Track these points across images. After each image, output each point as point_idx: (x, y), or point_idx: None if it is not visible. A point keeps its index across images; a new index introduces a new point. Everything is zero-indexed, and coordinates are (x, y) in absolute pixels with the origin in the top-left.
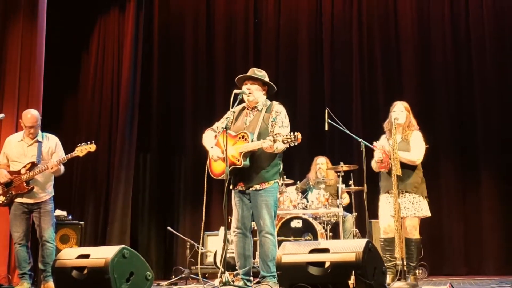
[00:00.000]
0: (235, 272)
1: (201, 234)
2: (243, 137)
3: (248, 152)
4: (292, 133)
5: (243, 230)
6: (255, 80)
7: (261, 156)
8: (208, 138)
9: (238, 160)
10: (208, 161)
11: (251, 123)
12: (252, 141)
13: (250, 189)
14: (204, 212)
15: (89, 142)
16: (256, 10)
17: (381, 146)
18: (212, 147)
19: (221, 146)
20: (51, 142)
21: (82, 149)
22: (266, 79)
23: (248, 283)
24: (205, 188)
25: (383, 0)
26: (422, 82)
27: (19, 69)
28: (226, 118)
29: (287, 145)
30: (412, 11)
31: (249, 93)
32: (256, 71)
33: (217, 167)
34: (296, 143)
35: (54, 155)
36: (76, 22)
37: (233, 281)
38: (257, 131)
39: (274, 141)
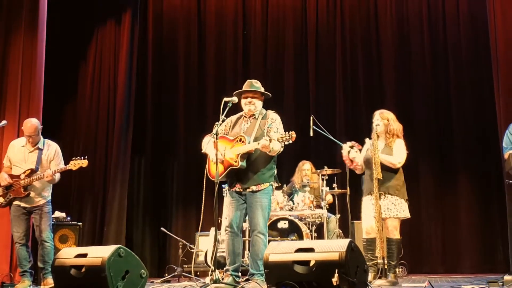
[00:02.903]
0: (224, 269)
1: (197, 234)
2: (240, 139)
3: (245, 154)
4: (286, 132)
5: (234, 229)
6: (255, 92)
7: (257, 159)
8: (206, 144)
9: (236, 161)
10: (207, 164)
11: (248, 129)
12: (249, 143)
13: (247, 190)
14: (202, 213)
15: (82, 158)
16: (244, 22)
17: (346, 152)
18: (208, 143)
19: (210, 153)
20: (51, 150)
21: (76, 164)
22: (262, 89)
23: (237, 279)
24: (203, 191)
25: (365, 13)
26: (402, 89)
27: (20, 77)
28: (217, 124)
29: (282, 145)
30: (392, 22)
31: (251, 103)
32: (254, 83)
33: (215, 170)
34: (290, 141)
35: (52, 162)
36: (74, 34)
37: (222, 279)
38: (253, 135)
39: (270, 141)
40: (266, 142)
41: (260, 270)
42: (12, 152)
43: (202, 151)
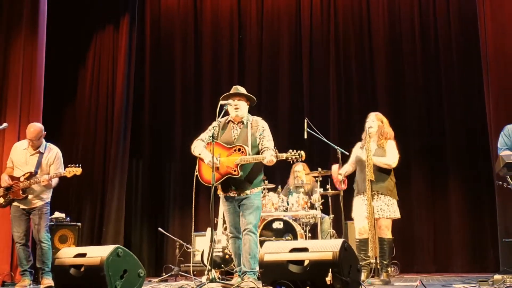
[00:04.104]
0: (234, 270)
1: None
2: (239, 149)
3: (244, 164)
4: (295, 151)
5: (235, 233)
6: (241, 96)
7: (253, 168)
8: (199, 147)
9: (235, 171)
10: (197, 167)
11: (239, 136)
12: (249, 154)
13: (241, 194)
14: (193, 214)
15: (77, 165)
16: (240, 27)
17: (334, 171)
18: (202, 151)
19: (206, 158)
20: (51, 154)
21: (70, 171)
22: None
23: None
24: (193, 193)
25: (357, 17)
26: (394, 95)
27: (21, 81)
28: (213, 127)
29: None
30: (384, 27)
31: (237, 108)
32: (239, 88)
33: (209, 174)
34: (300, 160)
35: (52, 166)
36: (74, 38)
37: (219, 278)
38: (249, 144)
39: (276, 157)
40: (273, 158)
41: (252, 268)
42: (15, 154)
43: (197, 154)
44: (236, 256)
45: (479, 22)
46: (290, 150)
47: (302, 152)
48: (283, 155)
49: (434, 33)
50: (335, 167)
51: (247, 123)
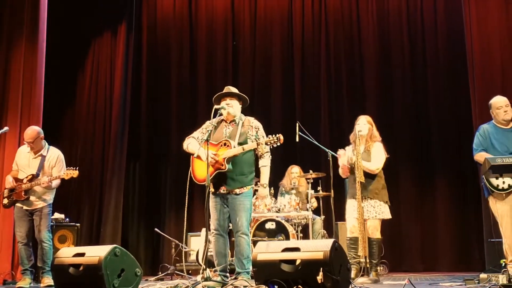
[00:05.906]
0: (213, 270)
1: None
2: (225, 144)
3: (231, 157)
4: (274, 135)
5: (220, 231)
6: (233, 95)
7: (242, 163)
8: (193, 144)
9: (223, 165)
10: (191, 167)
11: (230, 134)
12: (234, 147)
13: (231, 192)
14: (186, 215)
15: (74, 168)
16: (234, 33)
17: (343, 153)
18: (199, 149)
19: (203, 156)
20: (53, 157)
21: (68, 174)
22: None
23: (225, 279)
24: (186, 193)
25: (348, 26)
26: (383, 99)
27: (21, 86)
28: (208, 130)
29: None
30: (374, 35)
31: (230, 106)
32: (231, 88)
33: (201, 173)
34: (279, 144)
35: (54, 169)
36: (73, 44)
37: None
38: (236, 140)
39: (258, 144)
40: (253, 146)
41: (246, 269)
42: (19, 157)
43: (191, 151)
44: (218, 255)
45: (465, 32)
46: (269, 136)
47: (281, 136)
48: (262, 141)
49: (422, 40)
50: (341, 152)
51: (239, 122)
